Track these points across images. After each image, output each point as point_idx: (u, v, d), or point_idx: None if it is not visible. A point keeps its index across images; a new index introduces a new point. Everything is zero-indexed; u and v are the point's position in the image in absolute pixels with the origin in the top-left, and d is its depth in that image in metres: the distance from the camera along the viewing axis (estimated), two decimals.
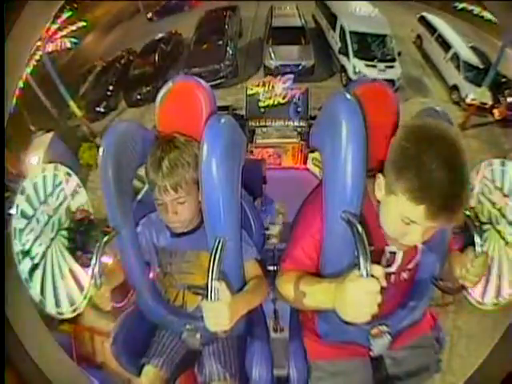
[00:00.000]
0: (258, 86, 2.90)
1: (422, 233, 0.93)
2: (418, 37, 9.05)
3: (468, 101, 7.36)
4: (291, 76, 2.94)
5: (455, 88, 7.75)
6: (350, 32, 8.23)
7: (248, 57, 8.90)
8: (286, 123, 2.90)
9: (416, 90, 8.00)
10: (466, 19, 8.69)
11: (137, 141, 1.18)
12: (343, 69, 8.26)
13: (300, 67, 8.13)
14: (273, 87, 2.89)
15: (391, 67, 7.85)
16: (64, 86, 6.73)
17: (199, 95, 1.20)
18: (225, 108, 2.67)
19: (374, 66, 7.85)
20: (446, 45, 8.23)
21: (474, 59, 7.74)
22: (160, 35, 9.42)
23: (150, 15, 9.93)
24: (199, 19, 9.38)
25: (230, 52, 8.51)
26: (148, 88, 8.07)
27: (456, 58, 7.87)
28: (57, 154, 5.40)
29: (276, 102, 2.90)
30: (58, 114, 6.99)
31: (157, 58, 8.65)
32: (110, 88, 8.21)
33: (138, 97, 8.06)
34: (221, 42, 8.66)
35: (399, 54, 7.99)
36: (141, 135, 1.22)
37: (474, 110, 7.18)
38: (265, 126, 2.90)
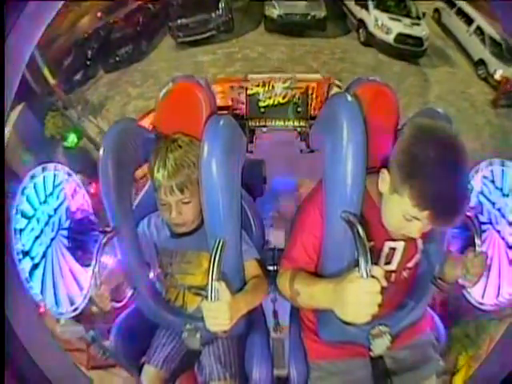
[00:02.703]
0: (258, 85, 2.89)
1: (421, 228, 0.96)
2: (436, 10, 8.22)
3: (497, 77, 6.82)
4: (291, 76, 2.94)
5: (482, 62, 7.11)
6: None
7: (246, 13, 7.99)
8: (286, 123, 2.90)
9: (441, 59, 7.42)
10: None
11: (137, 141, 1.18)
12: (361, 23, 7.30)
13: (309, 17, 7.08)
14: (273, 87, 2.88)
15: (417, 24, 7.12)
16: (45, 59, 6.22)
17: (199, 95, 1.20)
18: (225, 108, 2.67)
19: (398, 20, 7.07)
20: (467, 18, 7.52)
21: (496, 36, 7.01)
22: None
23: (99, 14, 9.23)
24: None
25: (223, 2, 7.41)
26: (127, 48, 7.32)
27: (480, 31, 7.24)
28: (24, 125, 5.12)
29: (276, 102, 2.89)
30: (39, 89, 6.67)
31: (141, 18, 7.82)
32: (89, 56, 7.47)
33: (117, 58, 7.30)
34: None
35: (424, 14, 7.28)
36: (141, 135, 1.22)
37: (504, 87, 6.63)
38: (265, 126, 2.90)
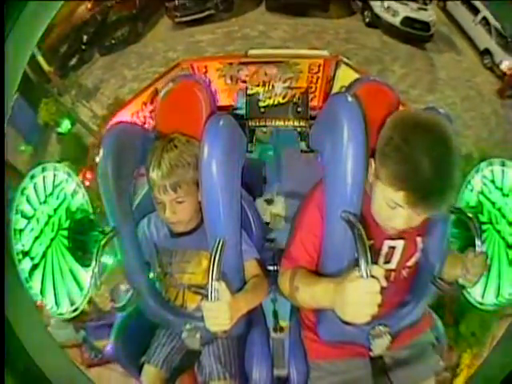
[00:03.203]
0: (258, 85, 2.88)
1: (407, 217, 0.95)
2: None
3: (503, 68, 6.80)
4: (291, 75, 2.93)
5: (487, 52, 7.11)
6: None
7: None
8: (286, 123, 2.89)
9: (447, 46, 7.43)
10: None
11: (137, 141, 1.19)
12: (367, 5, 7.33)
13: None
14: (273, 87, 2.87)
15: (424, 9, 7.16)
16: (41, 48, 6.07)
17: (199, 95, 1.20)
18: (225, 108, 2.67)
19: (405, 4, 7.09)
20: (473, 8, 7.43)
21: (501, 30, 6.90)
22: None
23: (89, 6, 9.12)
24: None
25: None
26: (123, 30, 7.22)
27: (485, 22, 7.18)
28: (20, 115, 5.06)
29: (276, 102, 2.88)
30: (34, 77, 6.52)
31: (137, 0, 7.63)
32: (85, 40, 7.33)
33: (113, 41, 7.21)
34: None
35: (430, 0, 7.33)
36: (141, 135, 1.22)
37: (511, 79, 6.63)
38: (265, 126, 2.89)
